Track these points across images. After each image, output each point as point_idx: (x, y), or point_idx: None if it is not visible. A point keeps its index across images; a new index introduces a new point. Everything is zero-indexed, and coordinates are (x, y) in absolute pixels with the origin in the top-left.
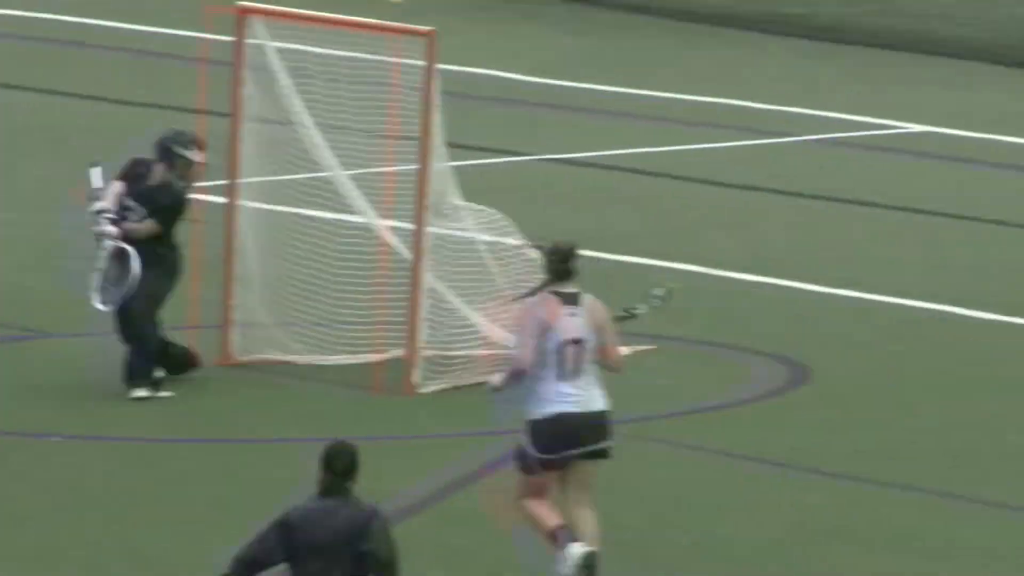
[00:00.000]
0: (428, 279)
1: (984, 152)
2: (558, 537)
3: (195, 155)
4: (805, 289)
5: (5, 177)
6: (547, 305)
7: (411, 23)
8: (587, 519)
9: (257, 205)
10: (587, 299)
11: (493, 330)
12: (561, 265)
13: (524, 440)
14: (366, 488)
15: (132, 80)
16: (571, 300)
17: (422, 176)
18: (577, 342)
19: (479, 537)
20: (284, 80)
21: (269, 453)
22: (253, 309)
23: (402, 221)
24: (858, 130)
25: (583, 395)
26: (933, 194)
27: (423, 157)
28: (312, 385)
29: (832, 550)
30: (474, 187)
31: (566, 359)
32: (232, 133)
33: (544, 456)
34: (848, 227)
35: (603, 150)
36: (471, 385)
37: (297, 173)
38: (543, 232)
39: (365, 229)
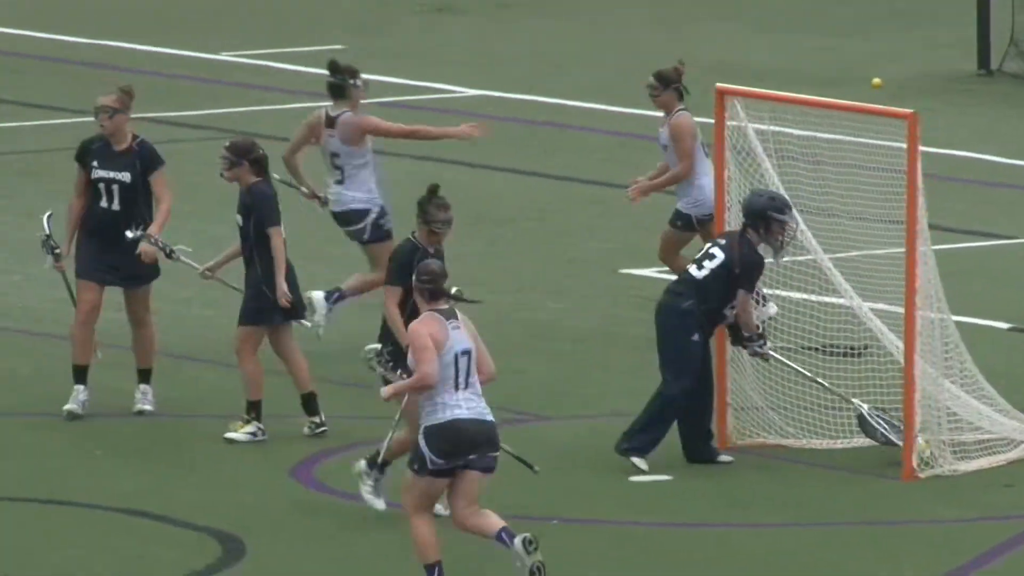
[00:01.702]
0: (920, 364)
1: None
2: None
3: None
4: None
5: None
6: (435, 323)
7: (892, 105)
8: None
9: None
10: (460, 315)
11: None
12: (432, 286)
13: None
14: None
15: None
16: (451, 315)
17: (910, 259)
18: (466, 353)
19: None
20: (766, 162)
21: (768, 539)
22: (746, 393)
23: (891, 304)
24: None
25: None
26: None
27: (909, 240)
28: (808, 469)
29: None
30: (956, 269)
31: (459, 370)
32: (717, 214)
33: (441, 462)
34: None
35: None
36: (970, 471)
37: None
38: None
39: (852, 313)
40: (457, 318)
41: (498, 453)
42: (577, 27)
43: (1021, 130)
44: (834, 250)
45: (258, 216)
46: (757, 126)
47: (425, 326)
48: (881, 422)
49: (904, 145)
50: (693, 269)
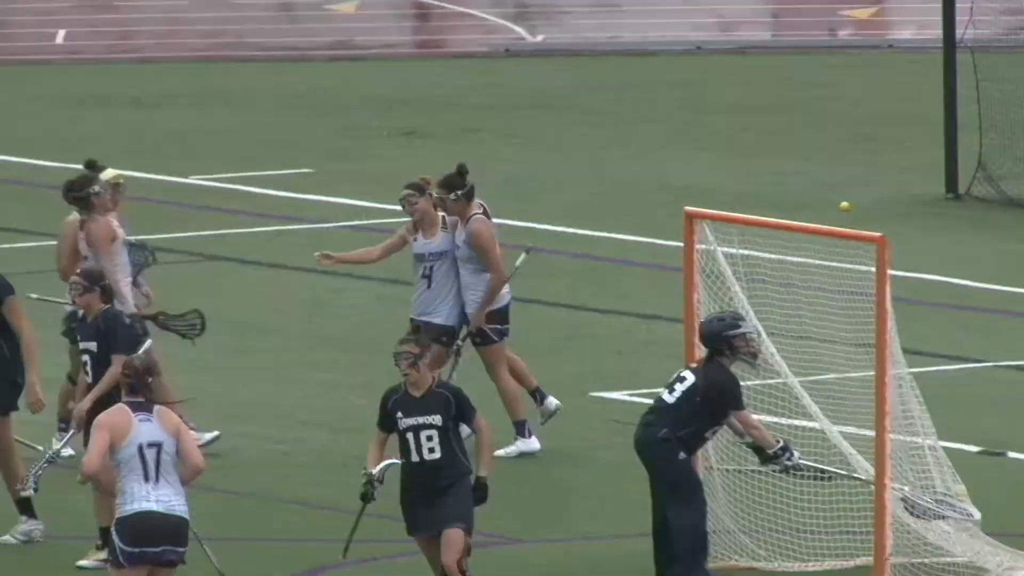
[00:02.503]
0: (891, 487)
1: None
2: None
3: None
4: None
5: None
6: (120, 415)
7: (861, 229)
8: None
9: None
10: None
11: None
12: (132, 381)
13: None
14: None
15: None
16: (144, 408)
17: (880, 383)
18: (154, 445)
19: None
20: (735, 285)
21: None
22: (718, 515)
23: (861, 428)
24: None
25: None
26: None
27: (879, 363)
28: None
29: None
30: (925, 393)
31: (147, 462)
32: (687, 339)
33: (130, 549)
34: None
35: None
36: None
37: (752, 379)
38: (999, 440)
39: (823, 436)
40: (152, 412)
41: (184, 549)
42: (545, 151)
43: (990, 254)
44: (805, 373)
45: (113, 342)
46: (726, 249)
47: (108, 417)
48: (928, 501)
49: (873, 268)
50: (665, 394)
